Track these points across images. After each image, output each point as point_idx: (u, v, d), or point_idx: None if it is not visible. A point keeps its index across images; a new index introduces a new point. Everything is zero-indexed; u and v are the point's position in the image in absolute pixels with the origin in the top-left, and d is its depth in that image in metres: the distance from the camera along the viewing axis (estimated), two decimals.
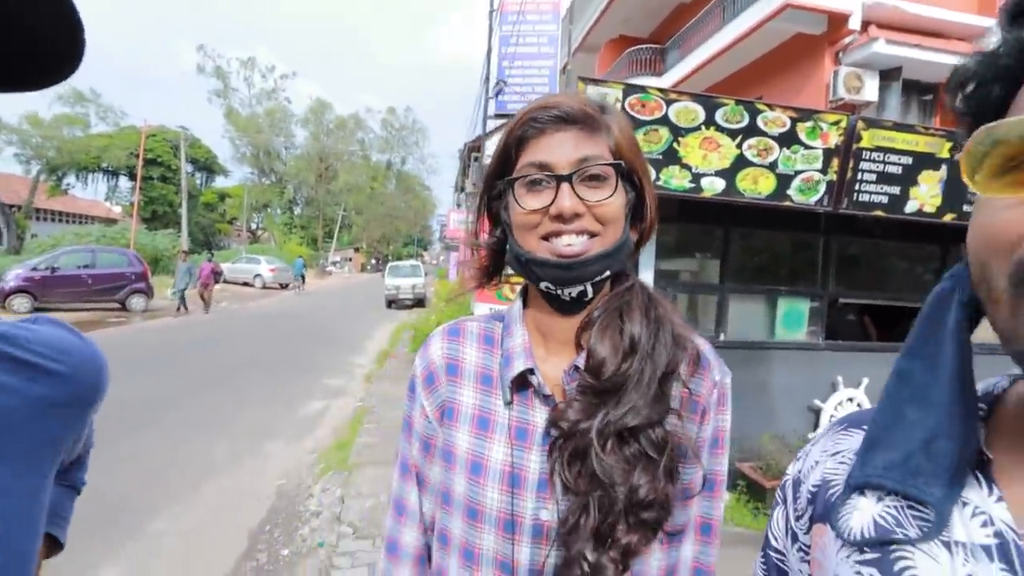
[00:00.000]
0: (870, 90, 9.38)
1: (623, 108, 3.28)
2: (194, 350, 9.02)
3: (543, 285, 0.69)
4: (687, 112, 3.38)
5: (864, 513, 0.42)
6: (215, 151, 42.65)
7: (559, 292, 0.68)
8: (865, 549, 0.41)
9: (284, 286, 24.95)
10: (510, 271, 0.77)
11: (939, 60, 9.17)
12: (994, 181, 0.34)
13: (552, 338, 0.72)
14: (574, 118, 0.66)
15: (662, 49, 14.09)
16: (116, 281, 13.38)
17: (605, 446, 0.62)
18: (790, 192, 3.50)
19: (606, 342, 0.66)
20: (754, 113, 3.41)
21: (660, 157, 3.39)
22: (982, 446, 0.40)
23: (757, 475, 3.65)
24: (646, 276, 3.80)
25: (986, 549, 0.36)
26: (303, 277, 24.01)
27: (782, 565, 0.53)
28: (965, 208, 3.61)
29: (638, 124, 3.30)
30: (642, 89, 3.36)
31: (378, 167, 52.28)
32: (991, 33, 0.39)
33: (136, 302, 13.59)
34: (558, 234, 0.66)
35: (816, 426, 4.01)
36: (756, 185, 3.47)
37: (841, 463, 0.48)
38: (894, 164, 3.54)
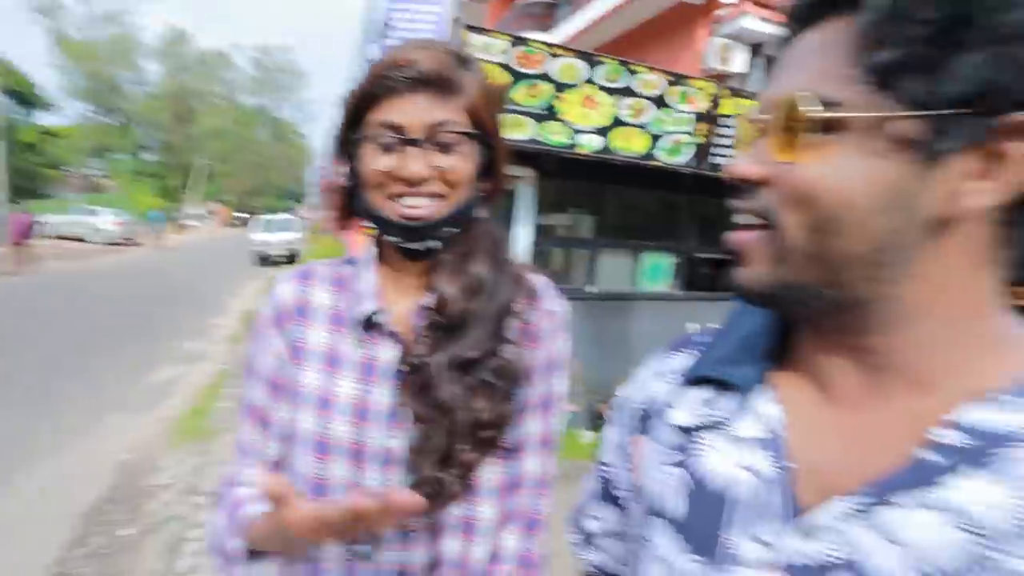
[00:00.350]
0: (739, 62, 10.10)
1: (509, 62, 3.20)
2: (16, 317, 7.66)
3: (390, 239, 0.71)
4: (569, 68, 3.38)
5: (680, 416, 0.49)
6: (37, 80, 35.48)
7: (406, 246, 0.71)
8: (672, 450, 0.48)
9: (131, 240, 21.91)
10: None
11: None
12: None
13: (402, 280, 0.75)
14: (428, 79, 0.65)
15: (553, 3, 14.02)
16: None
17: (449, 377, 0.67)
18: (658, 152, 3.68)
19: (453, 284, 0.70)
20: (632, 74, 3.49)
21: (542, 112, 3.38)
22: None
23: None
24: (526, 231, 3.85)
25: (761, 442, 0.43)
26: (161, 231, 21.30)
27: (612, 477, 0.59)
28: None
29: (520, 77, 3.26)
30: (527, 42, 3.30)
31: (248, 111, 47.16)
32: None
33: None
34: (404, 195, 0.67)
35: None
36: (629, 144, 3.60)
37: (665, 382, 0.54)
38: None
